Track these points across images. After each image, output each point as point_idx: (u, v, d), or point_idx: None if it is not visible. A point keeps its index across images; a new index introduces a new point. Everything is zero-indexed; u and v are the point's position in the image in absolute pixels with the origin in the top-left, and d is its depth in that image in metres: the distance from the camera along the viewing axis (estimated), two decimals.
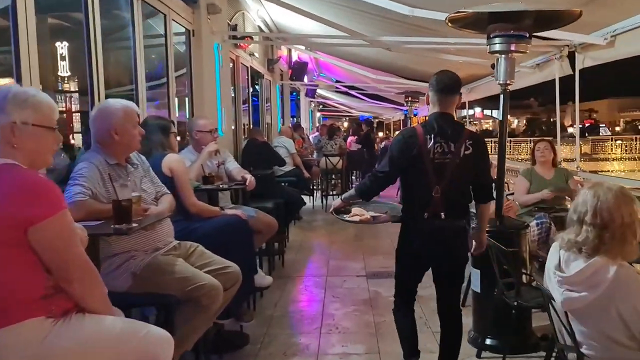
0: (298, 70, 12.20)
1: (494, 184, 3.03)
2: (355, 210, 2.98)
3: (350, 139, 13.65)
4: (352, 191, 3.07)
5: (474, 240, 2.94)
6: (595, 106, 44.28)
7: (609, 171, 25.71)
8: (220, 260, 2.73)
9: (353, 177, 12.78)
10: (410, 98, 10.24)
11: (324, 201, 10.10)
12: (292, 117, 19.34)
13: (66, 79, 4.38)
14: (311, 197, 10.35)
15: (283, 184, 8.34)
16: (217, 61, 5.32)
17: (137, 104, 4.22)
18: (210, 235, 3.14)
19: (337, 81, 17.24)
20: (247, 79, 7.42)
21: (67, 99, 4.72)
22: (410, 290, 2.94)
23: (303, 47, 11.03)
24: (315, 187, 10.98)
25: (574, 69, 5.35)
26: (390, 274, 3.37)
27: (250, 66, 7.52)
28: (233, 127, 6.85)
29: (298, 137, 10.19)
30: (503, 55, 3.44)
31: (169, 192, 2.79)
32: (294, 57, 12.55)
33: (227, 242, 3.18)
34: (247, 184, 3.81)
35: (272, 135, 9.37)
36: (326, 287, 5.14)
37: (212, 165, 3.97)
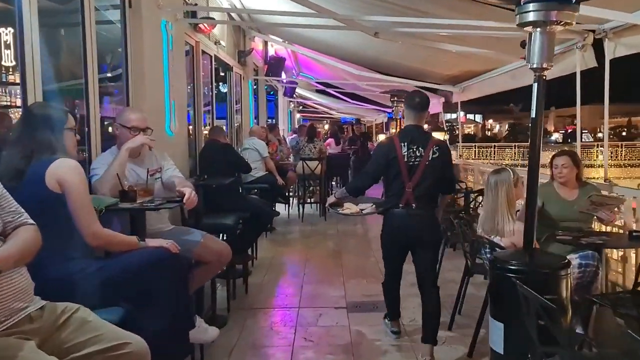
0: (275, 66, 11.18)
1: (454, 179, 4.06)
2: (346, 204, 3.63)
3: (328, 141, 12.67)
4: (343, 189, 3.82)
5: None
6: (576, 112, 43.91)
7: (594, 178, 25.23)
8: (114, 334, 1.70)
9: (333, 183, 11.76)
10: (396, 98, 9.34)
11: (301, 210, 9.09)
12: (271, 118, 18.28)
13: (11, 69, 3.87)
14: (287, 206, 9.36)
15: (254, 191, 7.38)
16: (165, 43, 4.30)
17: (87, 99, 3.44)
18: (119, 282, 2.13)
19: (317, 81, 16.28)
20: (211, 70, 6.39)
21: (12, 91, 4.01)
22: (395, 268, 3.61)
23: (279, 39, 10.04)
24: (291, 195, 9.98)
25: (598, 61, 4.46)
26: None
27: (215, 55, 6.50)
28: (191, 127, 5.82)
29: (273, 139, 9.17)
30: (539, 29, 2.51)
31: (32, 221, 1.74)
32: (271, 52, 11.53)
33: (147, 289, 2.18)
34: (184, 201, 2.77)
35: (244, 138, 8.33)
36: (297, 324, 4.13)
37: (140, 173, 2.94)
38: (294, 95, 19.46)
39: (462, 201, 7.03)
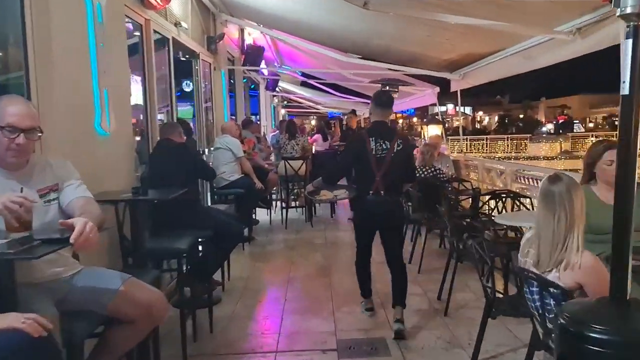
0: (253, 55, 10.13)
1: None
2: (323, 192, 4.08)
3: (314, 137, 11.68)
4: (319, 179, 4.14)
5: None
6: (567, 102, 43.51)
7: None
8: None
9: None
10: (388, 88, 8.35)
11: (284, 215, 8.10)
12: (254, 114, 17.22)
13: None
14: (269, 211, 8.37)
15: (230, 197, 6.38)
16: (90, 14, 3.27)
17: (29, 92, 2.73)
18: None
19: (301, 71, 15.28)
20: (169, 55, 5.34)
21: None
22: (366, 247, 4.07)
23: (255, 24, 9.02)
24: (274, 198, 8.99)
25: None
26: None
27: (174, 38, 5.45)
28: (142, 126, 4.80)
29: (250, 135, 8.15)
30: None
31: None
32: (249, 41, 10.49)
33: None
34: (71, 241, 1.74)
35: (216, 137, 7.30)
36: None
37: (24, 193, 1.91)
38: (277, 89, 18.47)
39: (467, 203, 6.11)
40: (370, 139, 3.78)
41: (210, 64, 7.26)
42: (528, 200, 4.80)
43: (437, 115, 9.75)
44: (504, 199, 4.76)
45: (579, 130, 34.91)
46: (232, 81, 11.18)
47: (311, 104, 19.93)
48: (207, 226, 3.83)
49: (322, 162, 9.20)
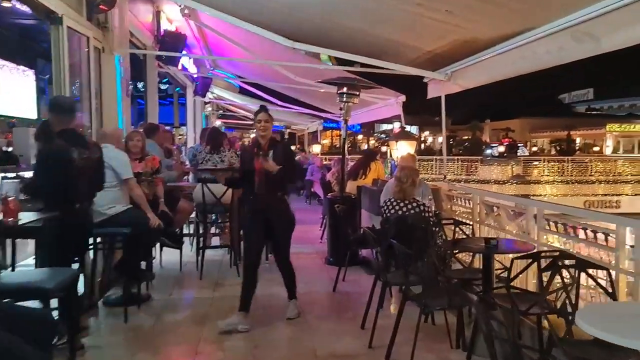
0: (170, 45, 7.83)
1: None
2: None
3: None
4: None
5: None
6: (511, 125, 43.38)
7: (540, 195, 23.63)
8: None
9: None
10: (346, 89, 6.20)
11: (199, 259, 5.78)
12: (182, 124, 14.72)
13: None
14: (180, 252, 6.01)
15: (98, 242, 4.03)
16: None
17: None
18: None
19: (239, 77, 13.03)
20: None
21: None
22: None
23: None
24: (187, 232, 6.67)
25: None
26: None
27: None
28: None
29: (156, 150, 5.77)
30: None
31: None
32: (165, 25, 8.17)
33: None
34: None
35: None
36: None
37: None
38: (212, 96, 16.04)
39: (466, 256, 4.06)
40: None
41: (88, 39, 4.86)
42: (604, 273, 2.79)
43: (404, 127, 7.75)
44: (561, 267, 2.71)
45: (523, 154, 34.44)
46: (142, 85, 8.80)
47: (244, 113, 17.54)
48: None
49: None
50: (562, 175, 24.48)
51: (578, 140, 41.51)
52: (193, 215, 6.27)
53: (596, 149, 39.66)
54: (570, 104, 52.50)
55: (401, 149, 6.18)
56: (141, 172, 5.03)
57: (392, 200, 4.54)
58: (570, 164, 24.95)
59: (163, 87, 15.02)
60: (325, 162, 15.25)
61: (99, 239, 4.43)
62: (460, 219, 4.81)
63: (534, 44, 3.83)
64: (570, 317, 2.55)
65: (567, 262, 2.78)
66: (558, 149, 37.37)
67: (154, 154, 5.47)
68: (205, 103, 15.74)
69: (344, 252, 5.59)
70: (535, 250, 3.54)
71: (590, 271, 2.77)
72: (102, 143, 4.32)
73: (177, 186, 6.24)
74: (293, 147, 19.89)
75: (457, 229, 4.30)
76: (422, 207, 4.44)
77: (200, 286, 5.43)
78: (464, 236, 4.27)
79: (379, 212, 5.24)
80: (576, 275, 2.68)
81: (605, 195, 23.40)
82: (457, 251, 4.12)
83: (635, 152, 37.83)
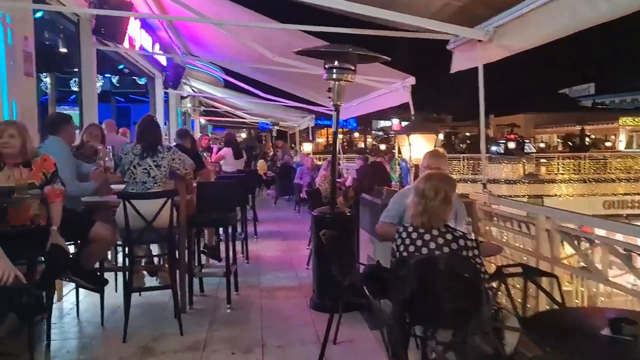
0: (108, 18, 5.96)
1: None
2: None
3: (221, 152, 7.60)
4: None
5: None
6: (515, 120, 41.46)
7: (555, 195, 21.78)
8: None
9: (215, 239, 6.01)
10: (336, 64, 4.32)
11: (125, 308, 3.93)
12: (165, 124, 12.87)
13: None
14: (101, 297, 4.14)
15: None
16: None
17: None
18: None
19: (212, 63, 11.17)
20: None
21: None
22: None
23: None
24: (108, 266, 4.83)
25: None
26: None
27: None
28: None
29: (57, 147, 3.92)
30: None
31: None
32: None
33: None
34: None
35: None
36: None
37: None
38: (193, 89, 14.18)
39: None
40: None
41: None
42: None
43: (414, 116, 5.89)
44: None
45: (530, 151, 32.52)
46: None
47: (231, 110, 15.61)
48: None
49: (218, 194, 5.12)
50: (578, 174, 22.61)
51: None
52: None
53: (608, 144, 37.74)
54: (576, 99, 50.73)
55: (416, 146, 4.30)
56: (13, 187, 3.21)
57: (411, 229, 2.69)
58: (587, 161, 23.08)
59: (140, 81, 13.23)
60: (318, 162, 13.41)
61: None
62: (547, 271, 2.89)
63: None
64: None
65: None
66: (570, 144, 35.32)
67: (53, 155, 3.62)
68: (182, 97, 13.88)
69: (334, 297, 3.75)
70: None
71: None
72: None
73: (103, 202, 4.39)
74: (281, 145, 17.88)
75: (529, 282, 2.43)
76: (461, 242, 2.60)
77: (120, 355, 3.58)
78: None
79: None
80: None
81: (626, 194, 21.55)
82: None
83: None
